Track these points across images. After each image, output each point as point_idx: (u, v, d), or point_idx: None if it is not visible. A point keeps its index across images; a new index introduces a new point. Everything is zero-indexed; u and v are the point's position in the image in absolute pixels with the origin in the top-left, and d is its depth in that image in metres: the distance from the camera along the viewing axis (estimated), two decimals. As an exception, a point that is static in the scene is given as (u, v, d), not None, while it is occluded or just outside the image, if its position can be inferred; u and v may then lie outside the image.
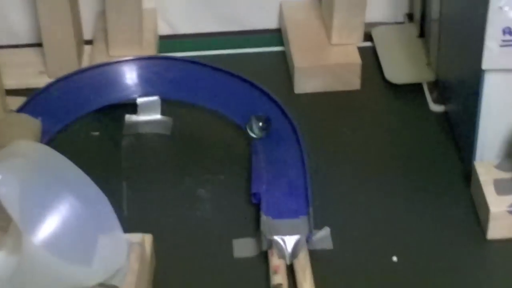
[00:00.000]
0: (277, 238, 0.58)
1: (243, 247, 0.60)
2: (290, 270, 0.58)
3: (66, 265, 0.48)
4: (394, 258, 0.59)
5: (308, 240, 0.59)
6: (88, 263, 0.49)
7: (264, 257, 0.59)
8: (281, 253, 0.58)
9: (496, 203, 0.60)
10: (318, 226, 0.60)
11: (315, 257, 0.59)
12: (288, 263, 0.58)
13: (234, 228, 0.62)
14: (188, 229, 0.63)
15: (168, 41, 0.81)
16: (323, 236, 0.60)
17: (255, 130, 0.66)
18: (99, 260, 0.50)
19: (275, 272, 0.56)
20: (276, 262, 0.57)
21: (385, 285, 0.57)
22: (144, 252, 0.54)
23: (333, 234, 0.60)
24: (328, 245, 0.60)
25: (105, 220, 0.52)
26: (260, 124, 0.66)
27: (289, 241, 0.58)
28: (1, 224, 0.52)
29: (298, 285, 0.56)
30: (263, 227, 0.59)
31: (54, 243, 0.48)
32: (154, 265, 0.59)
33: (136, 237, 0.54)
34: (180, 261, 0.60)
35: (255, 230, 0.61)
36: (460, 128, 0.68)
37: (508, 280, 0.58)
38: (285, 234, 0.58)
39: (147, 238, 0.57)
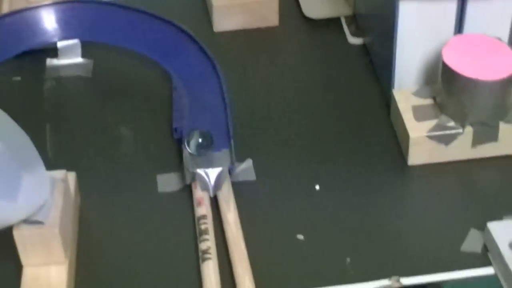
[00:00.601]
0: (199, 171, 0.59)
1: (167, 182, 0.61)
2: (215, 202, 0.59)
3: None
4: (317, 187, 0.61)
5: (231, 172, 0.60)
6: (13, 199, 0.50)
7: (188, 190, 0.60)
8: (205, 185, 0.59)
9: (415, 129, 0.61)
10: (241, 159, 0.61)
11: (239, 188, 0.60)
12: (212, 195, 0.59)
13: (157, 164, 0.63)
14: (112, 166, 0.63)
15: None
16: (246, 168, 0.61)
17: (192, 146, 0.61)
18: (24, 196, 0.50)
19: (199, 204, 0.57)
20: (199, 194, 0.58)
21: (308, 213, 0.59)
22: (68, 188, 0.54)
23: (256, 166, 0.61)
24: (251, 176, 0.61)
25: (28, 158, 0.52)
26: (200, 140, 0.61)
27: (211, 174, 0.59)
28: None
29: (222, 216, 0.57)
30: (185, 161, 0.60)
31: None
32: (79, 203, 0.59)
33: (59, 173, 0.54)
34: (105, 197, 0.60)
35: (179, 165, 0.62)
36: (378, 59, 0.70)
37: (429, 202, 0.60)
38: (207, 167, 0.59)
39: (71, 176, 0.57)
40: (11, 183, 0.50)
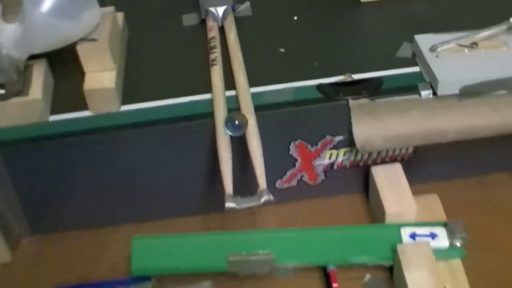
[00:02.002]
0: (211, 8, 0.79)
1: (189, 19, 0.82)
2: (222, 30, 0.79)
3: (63, 23, 0.69)
4: (295, 18, 0.80)
5: (233, 9, 0.80)
6: (78, 21, 0.70)
7: (203, 23, 0.81)
8: (214, 18, 0.79)
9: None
10: (241, 1, 0.82)
11: (239, 21, 0.80)
12: (220, 25, 0.79)
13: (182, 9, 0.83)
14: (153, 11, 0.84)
15: None
16: (245, 7, 0.81)
17: (230, 129, 0.67)
18: (84, 18, 0.70)
19: (210, 30, 0.78)
20: (211, 24, 0.79)
21: (288, 35, 0.78)
22: (116, 18, 0.75)
23: (252, 5, 0.82)
24: (248, 12, 0.81)
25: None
26: (236, 122, 0.67)
27: (219, 10, 0.79)
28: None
29: (226, 36, 0.77)
30: (201, 1, 0.80)
31: (53, 7, 0.68)
32: (127, 36, 0.80)
33: (109, 8, 0.75)
34: (146, 32, 0.81)
35: (197, 6, 0.82)
36: None
37: (375, 27, 0.79)
38: (217, 6, 0.80)
39: (119, 14, 0.78)
40: (76, 8, 0.69)
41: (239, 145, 0.66)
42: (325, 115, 0.69)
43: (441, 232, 0.68)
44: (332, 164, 0.73)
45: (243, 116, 0.66)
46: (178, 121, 0.68)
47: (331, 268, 0.67)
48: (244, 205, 0.62)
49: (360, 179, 0.74)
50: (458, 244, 0.67)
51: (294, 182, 0.74)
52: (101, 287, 0.70)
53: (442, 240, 0.67)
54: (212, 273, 0.67)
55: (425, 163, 0.74)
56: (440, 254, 0.66)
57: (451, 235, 0.68)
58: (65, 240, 0.76)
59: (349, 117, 0.68)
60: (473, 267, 0.67)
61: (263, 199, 0.62)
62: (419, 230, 0.68)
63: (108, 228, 0.75)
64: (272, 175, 0.72)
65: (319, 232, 0.68)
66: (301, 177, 0.74)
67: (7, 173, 0.70)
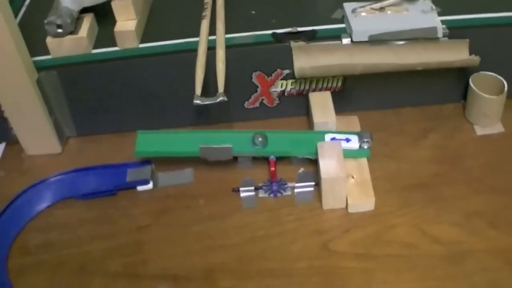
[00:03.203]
0: (208, -16, 1.12)
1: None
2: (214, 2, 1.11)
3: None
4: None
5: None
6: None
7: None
8: (210, -10, 1.12)
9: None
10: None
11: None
12: (213, -5, 1.11)
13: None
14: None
15: None
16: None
17: (258, 144, 0.96)
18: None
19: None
20: (207, -6, 1.11)
21: (259, 5, 1.10)
22: (139, -14, 1.08)
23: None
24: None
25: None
26: (260, 139, 0.96)
27: (214, -15, 1.12)
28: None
29: (216, 2, 1.10)
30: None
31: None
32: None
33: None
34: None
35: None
36: None
37: (323, 2, 1.10)
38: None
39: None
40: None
41: (210, 67, 0.97)
42: (276, 53, 1.00)
43: (354, 138, 0.97)
44: (283, 92, 1.04)
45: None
46: (177, 53, 1.00)
47: (271, 157, 0.97)
48: (206, 102, 0.93)
49: (304, 104, 1.05)
50: (365, 147, 0.96)
51: (257, 104, 1.06)
52: (116, 167, 1.01)
53: (354, 143, 0.96)
54: (190, 157, 0.97)
55: (350, 95, 1.04)
56: (351, 153, 0.94)
57: (360, 139, 0.97)
58: (99, 140, 1.08)
59: (292, 55, 0.99)
60: (378, 168, 0.96)
61: (219, 99, 0.93)
62: (338, 136, 0.96)
63: (130, 133, 1.06)
64: (241, 98, 1.04)
65: (268, 132, 0.99)
66: (262, 100, 1.05)
67: (61, 89, 1.03)
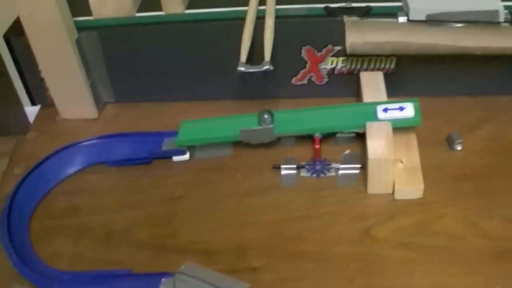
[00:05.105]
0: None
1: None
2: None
3: None
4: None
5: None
6: None
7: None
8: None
9: None
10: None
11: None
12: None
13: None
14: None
15: None
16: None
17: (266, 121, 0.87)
18: None
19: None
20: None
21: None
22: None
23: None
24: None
25: None
26: (265, 116, 0.87)
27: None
28: None
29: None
30: None
31: None
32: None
33: None
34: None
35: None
36: None
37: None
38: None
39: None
40: None
41: (257, 39, 0.90)
42: (328, 28, 0.92)
43: (408, 106, 0.87)
44: (333, 69, 0.96)
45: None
46: (223, 20, 0.93)
47: (317, 135, 0.90)
48: (251, 69, 0.86)
49: (353, 85, 0.97)
50: (458, 148, 0.89)
51: (305, 81, 0.98)
52: (152, 135, 0.94)
53: (409, 111, 0.87)
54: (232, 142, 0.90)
55: (403, 79, 0.96)
56: (403, 122, 0.86)
57: (452, 142, 0.89)
58: (137, 108, 1.02)
59: (344, 30, 0.91)
60: (428, 154, 0.87)
61: (265, 67, 0.86)
62: (390, 106, 0.88)
63: (169, 103, 1.00)
64: (288, 73, 0.96)
65: (312, 110, 0.91)
66: (310, 77, 0.97)
67: (101, 52, 0.97)
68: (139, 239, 0.81)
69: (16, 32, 0.96)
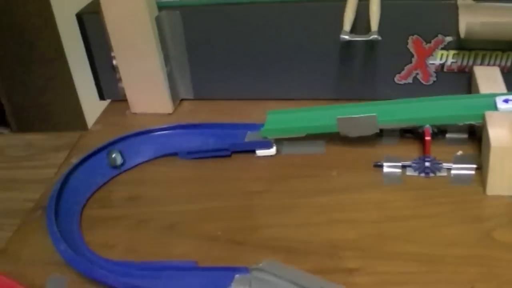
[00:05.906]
0: None
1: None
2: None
3: None
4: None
5: None
6: None
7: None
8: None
9: None
10: None
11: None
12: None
13: None
14: None
15: None
16: None
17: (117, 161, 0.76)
18: None
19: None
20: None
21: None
22: None
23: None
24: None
25: None
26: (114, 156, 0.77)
27: None
28: None
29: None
30: None
31: None
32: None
33: None
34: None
35: None
36: None
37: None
38: None
39: None
40: None
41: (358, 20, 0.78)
42: (439, 13, 0.79)
43: None
44: (442, 66, 0.82)
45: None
46: (323, 1, 0.81)
47: (427, 126, 0.74)
48: (356, 38, 0.73)
49: (465, 85, 0.82)
50: None
51: (409, 79, 0.84)
52: (234, 126, 0.81)
53: None
54: (326, 133, 0.77)
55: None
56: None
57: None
58: (214, 105, 0.89)
59: (458, 17, 0.77)
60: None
61: (372, 36, 0.72)
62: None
63: (253, 101, 0.88)
64: (392, 70, 0.83)
65: (420, 100, 0.76)
66: (416, 74, 0.83)
67: (182, 34, 0.85)
68: (208, 233, 0.67)
69: (90, 11, 0.85)
